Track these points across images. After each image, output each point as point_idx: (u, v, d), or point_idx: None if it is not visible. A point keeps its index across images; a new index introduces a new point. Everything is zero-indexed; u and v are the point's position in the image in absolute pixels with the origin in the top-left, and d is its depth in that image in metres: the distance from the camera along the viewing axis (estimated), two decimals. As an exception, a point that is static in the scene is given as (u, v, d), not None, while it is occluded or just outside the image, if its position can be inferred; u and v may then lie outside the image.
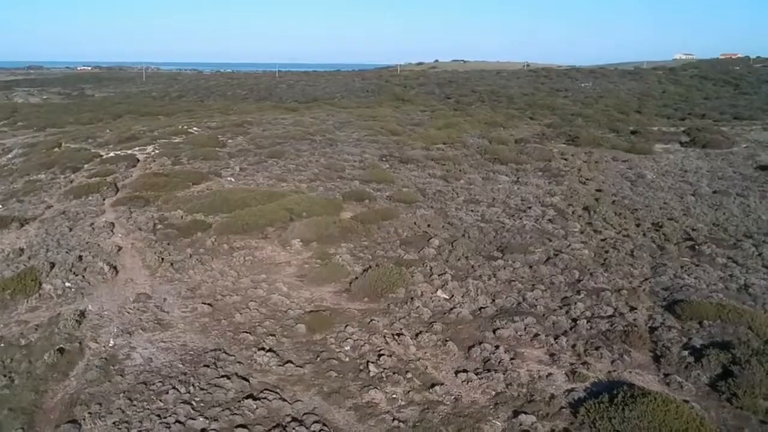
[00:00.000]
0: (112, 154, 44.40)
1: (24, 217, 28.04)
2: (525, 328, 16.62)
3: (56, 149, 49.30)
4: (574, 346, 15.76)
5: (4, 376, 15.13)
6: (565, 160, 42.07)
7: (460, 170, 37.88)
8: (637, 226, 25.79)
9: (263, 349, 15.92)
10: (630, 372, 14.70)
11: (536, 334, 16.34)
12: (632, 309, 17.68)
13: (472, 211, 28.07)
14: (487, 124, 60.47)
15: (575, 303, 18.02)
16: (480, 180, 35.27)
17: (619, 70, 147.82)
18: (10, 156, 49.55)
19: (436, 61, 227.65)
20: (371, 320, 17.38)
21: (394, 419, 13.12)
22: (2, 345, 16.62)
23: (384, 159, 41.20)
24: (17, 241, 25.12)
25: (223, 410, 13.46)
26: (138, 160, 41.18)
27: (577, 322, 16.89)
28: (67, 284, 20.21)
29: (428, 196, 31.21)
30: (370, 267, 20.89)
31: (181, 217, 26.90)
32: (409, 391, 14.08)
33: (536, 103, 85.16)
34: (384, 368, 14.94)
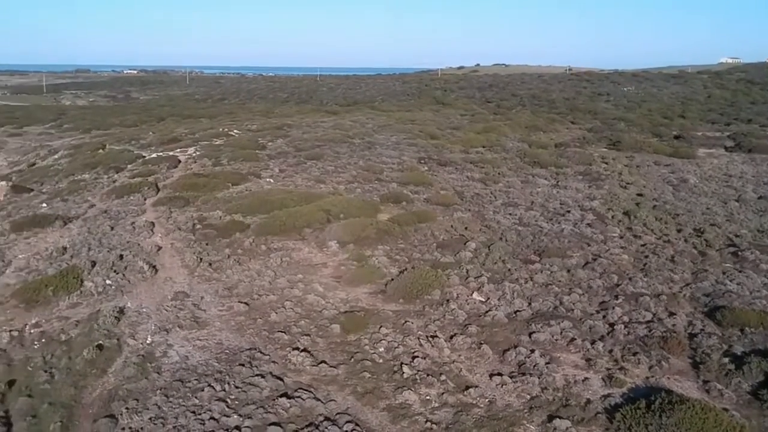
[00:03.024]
0: (154, 155, 45.04)
1: (67, 216, 28.60)
2: (561, 332, 16.44)
3: (100, 150, 50.18)
4: (611, 351, 15.56)
5: (45, 371, 15.45)
6: (606, 164, 41.57)
7: (498, 173, 37.66)
8: (679, 231, 25.34)
9: (298, 348, 16.00)
10: (668, 378, 14.46)
11: (572, 339, 16.15)
12: (671, 315, 17.39)
13: (510, 214, 27.86)
14: (527, 128, 60.12)
15: (613, 308, 17.77)
16: (519, 183, 35.03)
17: (663, 74, 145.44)
18: (56, 157, 50.60)
19: (478, 64, 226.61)
20: (406, 322, 17.35)
21: (427, 421, 13.08)
22: (44, 340, 16.98)
23: (422, 162, 41.12)
24: (60, 239, 25.61)
25: (257, 408, 13.56)
26: (179, 161, 41.70)
27: (615, 327, 16.67)
28: (108, 282, 20.56)
29: (466, 199, 31.06)
30: (406, 269, 20.88)
31: (220, 217, 27.16)
32: (442, 393, 14.03)
33: (578, 108, 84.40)
34: (418, 370, 14.90)
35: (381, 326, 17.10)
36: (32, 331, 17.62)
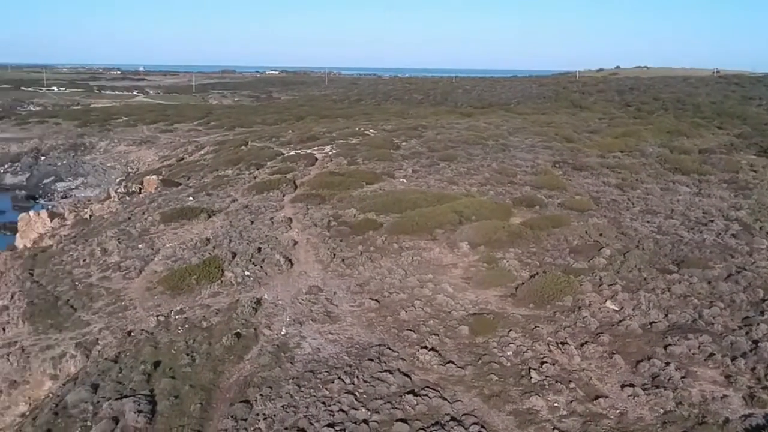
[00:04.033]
0: (292, 152, 46.60)
1: (211, 209, 30.13)
2: (699, 347, 15.73)
3: (243, 147, 52.44)
4: (753, 369, 14.74)
5: (187, 355, 16.38)
6: (755, 172, 39.28)
7: (637, 179, 36.44)
8: (836, 245, 23.62)
9: (426, 347, 16.17)
10: (818, 402, 13.56)
11: (711, 354, 15.42)
12: (824, 334, 16.25)
13: (647, 222, 26.90)
14: (669, 132, 57.66)
15: (758, 324, 16.77)
16: (658, 190, 33.73)
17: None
18: (202, 152, 53.36)
19: (618, 67, 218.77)
20: (535, 327, 17.16)
21: (554, 428, 12.92)
22: (187, 326, 17.99)
23: (557, 165, 40.39)
24: (204, 231, 27.03)
25: (384, 403, 13.83)
26: (316, 159, 42.93)
27: (759, 344, 15.73)
28: (247, 273, 21.50)
29: (602, 204, 30.26)
30: (537, 273, 20.62)
31: (354, 215, 27.75)
32: (571, 401, 13.80)
33: (725, 112, 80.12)
34: (546, 376, 14.73)
35: (510, 330, 17.00)
36: (177, 317, 18.74)
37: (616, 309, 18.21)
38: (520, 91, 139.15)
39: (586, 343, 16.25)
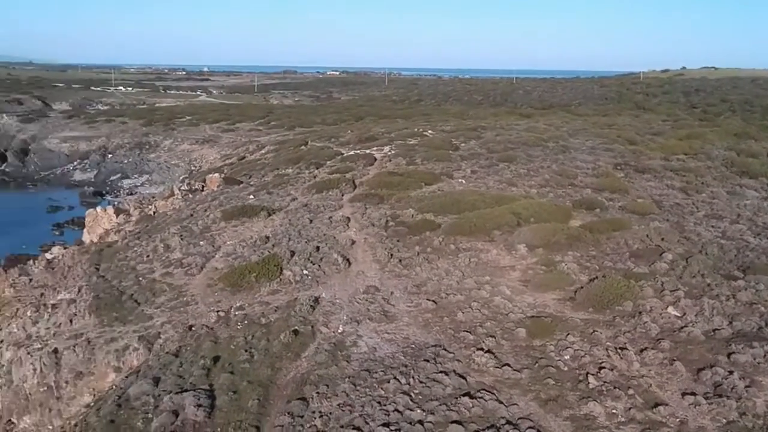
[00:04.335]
0: (352, 152, 46.87)
1: (271, 208, 30.53)
2: (765, 356, 15.23)
3: (303, 147, 53.00)
4: (822, 380, 14.27)
5: (246, 351, 16.66)
6: (827, 177, 37.96)
7: (702, 183, 35.56)
8: None
9: (482, 349, 16.11)
10: None
11: (777, 363, 14.97)
12: None
13: (712, 226, 26.23)
14: (736, 135, 56.06)
15: (827, 334, 16.25)
16: (724, 194, 32.86)
17: None
18: (263, 152, 54.13)
19: (683, 68, 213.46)
20: (594, 331, 16.91)
21: (612, 435, 12.74)
22: (246, 322, 18.29)
23: (619, 168, 39.68)
24: (264, 229, 27.42)
25: (440, 405, 13.84)
26: (375, 159, 43.09)
27: (829, 354, 15.24)
28: (305, 272, 21.74)
29: (664, 208, 29.60)
30: (596, 277, 20.31)
31: (412, 215, 27.74)
32: (630, 408, 13.58)
33: (797, 114, 77.60)
34: (604, 381, 14.52)
35: (568, 334, 16.79)
36: (236, 313, 19.06)
37: (678, 315, 17.80)
38: (581, 92, 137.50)
39: (646, 349, 15.95)
